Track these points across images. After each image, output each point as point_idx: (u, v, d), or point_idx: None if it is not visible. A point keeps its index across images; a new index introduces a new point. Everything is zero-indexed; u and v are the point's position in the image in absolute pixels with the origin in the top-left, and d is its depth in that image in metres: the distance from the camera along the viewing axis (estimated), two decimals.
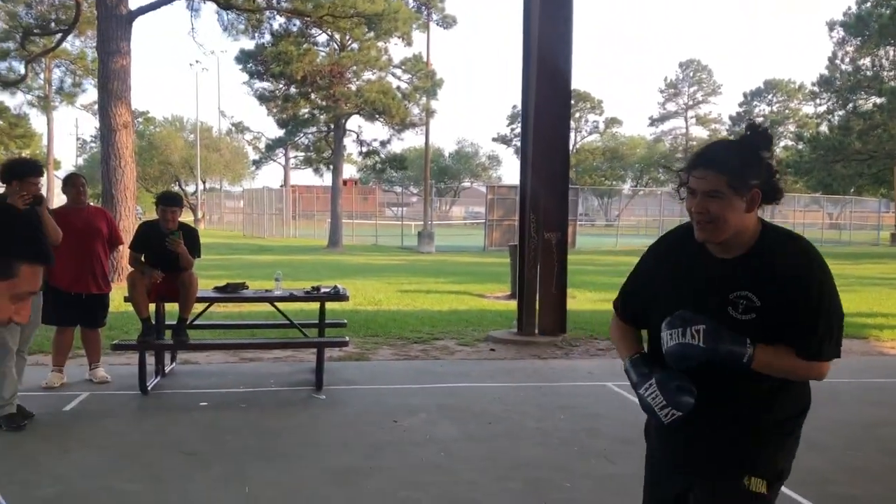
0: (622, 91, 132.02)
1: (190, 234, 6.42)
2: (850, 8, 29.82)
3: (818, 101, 37.90)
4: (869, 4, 27.62)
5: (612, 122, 67.16)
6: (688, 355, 1.92)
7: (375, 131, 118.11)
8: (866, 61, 29.52)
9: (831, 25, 30.85)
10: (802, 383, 2.10)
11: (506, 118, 65.26)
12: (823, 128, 36.28)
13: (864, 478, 4.55)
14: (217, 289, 6.84)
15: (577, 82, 75.19)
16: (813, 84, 37.79)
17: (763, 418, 2.03)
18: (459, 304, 12.09)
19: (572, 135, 64.55)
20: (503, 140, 65.05)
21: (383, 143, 32.06)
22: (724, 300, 1.95)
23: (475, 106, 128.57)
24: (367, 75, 30.46)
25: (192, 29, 50.35)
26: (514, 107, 58.17)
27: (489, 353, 8.33)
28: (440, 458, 4.78)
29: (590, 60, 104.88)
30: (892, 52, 28.42)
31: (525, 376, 7.32)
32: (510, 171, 79.42)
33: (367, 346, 8.41)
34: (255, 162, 43.36)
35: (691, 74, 66.72)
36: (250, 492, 4.17)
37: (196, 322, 6.86)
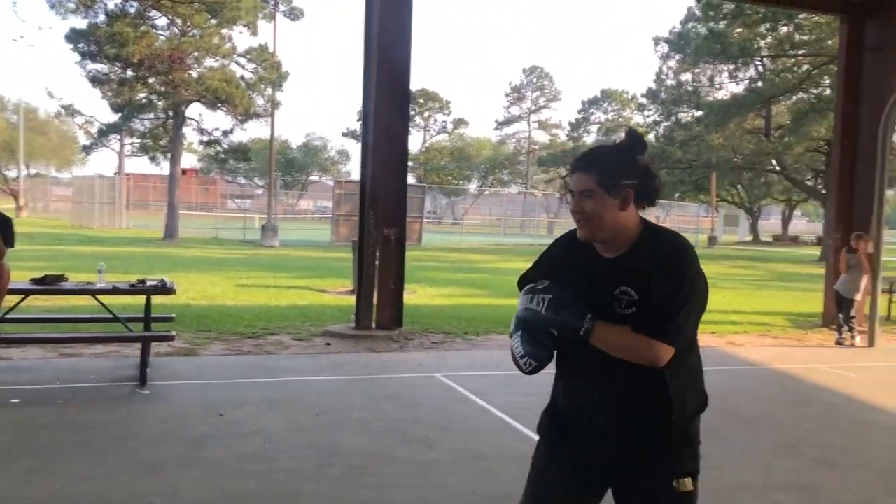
0: (470, 93, 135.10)
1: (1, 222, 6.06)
2: (673, 27, 32.38)
3: (646, 111, 40.65)
4: (690, 24, 30.04)
5: (460, 122, 68.59)
6: (531, 320, 2.07)
7: (217, 120, 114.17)
8: (687, 76, 32.04)
9: (657, 41, 33.27)
10: (699, 381, 2.19)
11: (356, 113, 65.01)
12: (651, 137, 39.00)
13: None
14: (34, 280, 6.50)
15: (426, 83, 76.29)
16: (642, 95, 40.56)
17: (677, 417, 2.08)
18: (299, 300, 12.06)
19: (421, 134, 65.46)
20: (353, 135, 64.71)
21: (226, 133, 31.13)
22: (609, 296, 2.06)
23: (325, 100, 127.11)
24: (210, 62, 29.47)
25: (14, 3, 46.62)
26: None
27: (324, 348, 8.42)
28: (264, 449, 4.84)
29: (439, 62, 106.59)
30: (709, 70, 31.04)
31: (357, 369, 7.47)
32: (359, 166, 79.13)
33: (197, 342, 8.25)
34: (85, 147, 40.66)
35: (534, 81, 69.30)
36: (61, 487, 4.06)
37: (8, 316, 6.49)
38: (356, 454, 4.84)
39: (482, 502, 4.17)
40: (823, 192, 26.65)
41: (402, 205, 9.98)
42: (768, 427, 5.95)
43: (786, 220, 58.28)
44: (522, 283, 2.33)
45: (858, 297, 10.09)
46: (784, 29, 27.30)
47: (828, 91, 26.99)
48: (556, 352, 2.14)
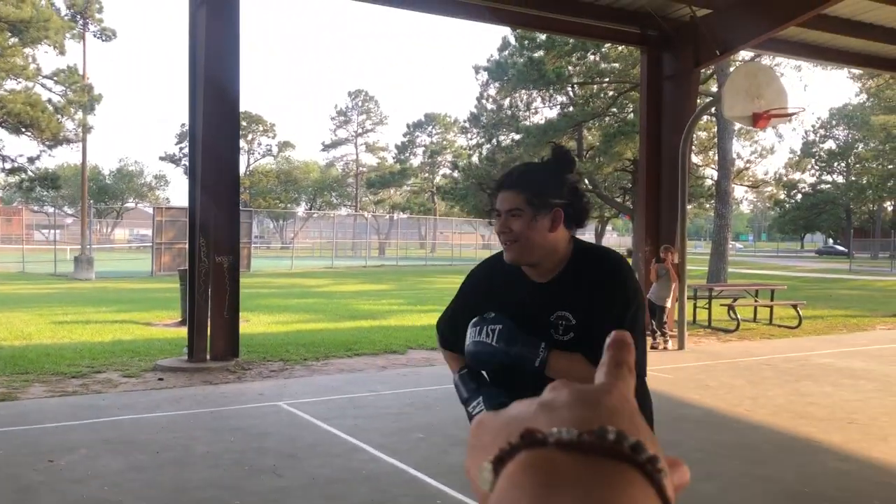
0: (295, 116, 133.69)
1: None
2: (491, 56, 34.00)
3: (469, 134, 42.14)
4: (507, 53, 31.67)
5: (286, 145, 67.77)
6: (481, 353, 1.93)
7: (22, 146, 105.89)
8: (506, 102, 33.66)
9: (476, 69, 34.72)
10: (648, 400, 2.09)
11: (174, 136, 62.40)
12: (475, 158, 40.43)
13: None
14: None
15: (250, 106, 74.73)
16: (465, 120, 42.05)
17: None
18: (124, 334, 11.43)
19: (245, 157, 63.92)
20: (171, 159, 62.10)
21: (31, 160, 28.88)
22: (544, 323, 1.94)
23: (141, 123, 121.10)
24: (11, 84, 27.29)
25: None
26: (183, 125, 55.95)
27: (157, 383, 8.06)
28: (103, 493, 4.60)
29: (262, 85, 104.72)
30: (525, 96, 32.80)
31: (195, 403, 7.23)
32: (180, 192, 76.01)
33: (14, 385, 7.64)
34: None
35: (360, 104, 69.81)
36: None
37: None
38: (203, 489, 4.72)
39: None
40: (632, 207, 28.83)
41: (234, 231, 9.77)
42: None
43: (599, 235, 62.28)
44: (445, 320, 2.22)
45: (668, 304, 11.04)
46: (592, 58, 29.45)
47: (632, 115, 29.34)
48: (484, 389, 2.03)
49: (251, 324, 12.63)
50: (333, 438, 5.97)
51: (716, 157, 27.62)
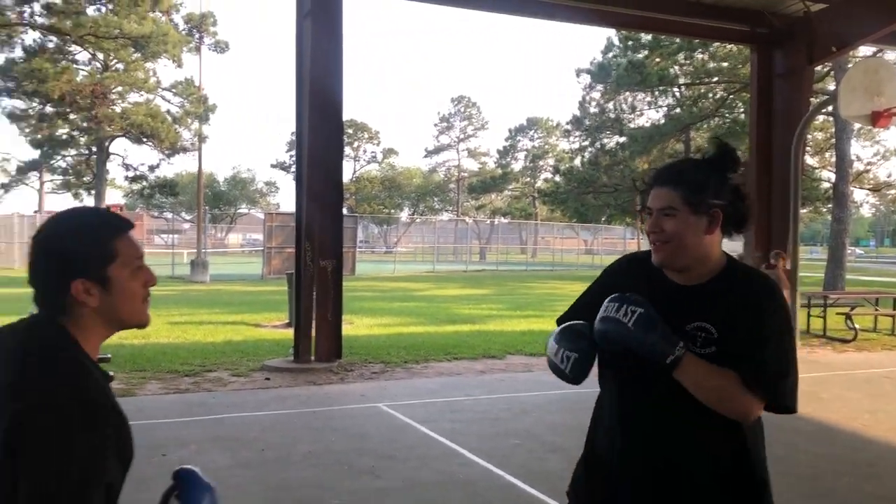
0: (399, 123, 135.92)
1: None
2: (594, 58, 33.62)
3: (571, 138, 41.80)
4: (610, 55, 31.23)
5: (390, 152, 69.00)
6: (612, 332, 1.73)
7: (143, 155, 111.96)
8: (610, 105, 33.20)
9: (578, 72, 34.41)
10: (759, 429, 1.86)
11: (285, 144, 64.68)
12: (577, 162, 40.02)
13: None
14: None
15: (356, 113, 76.48)
16: (567, 123, 41.72)
17: (748, 472, 1.79)
18: (235, 335, 11.91)
19: (351, 164, 65.46)
20: (282, 167, 64.30)
21: (152, 168, 30.63)
22: (681, 332, 1.74)
23: (253, 132, 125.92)
24: (134, 97, 29.03)
25: None
26: (293, 133, 57.94)
27: (264, 383, 8.35)
28: None
29: (367, 93, 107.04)
30: (629, 98, 32.26)
31: (299, 403, 7.45)
32: (289, 198, 78.49)
33: (133, 381, 8.09)
34: (3, 185, 39.35)
35: (462, 110, 70.33)
36: None
37: None
38: (304, 488, 4.85)
39: None
40: None
41: (338, 236, 10.03)
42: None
43: None
44: (568, 314, 2.01)
45: None
46: (700, 57, 28.62)
47: (743, 115, 28.30)
48: (594, 364, 1.82)
49: (354, 326, 12.91)
50: (431, 441, 6.02)
51: (833, 159, 26.28)
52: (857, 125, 18.20)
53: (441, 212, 70.56)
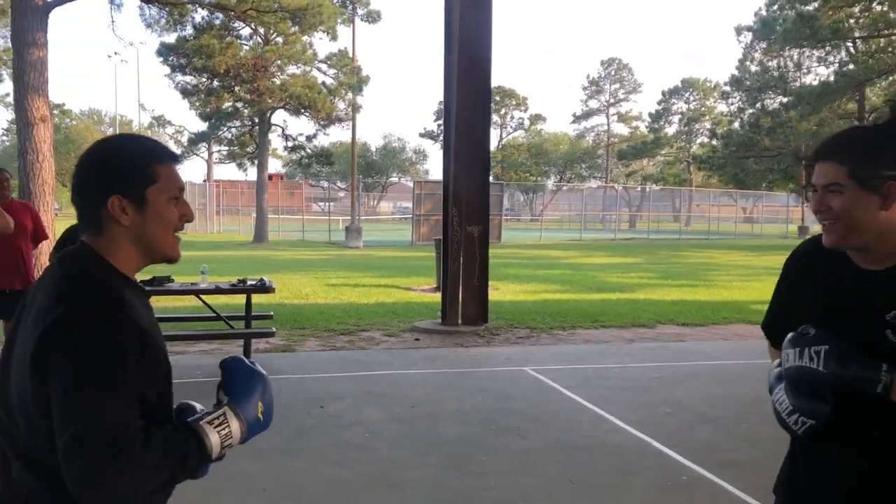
0: (546, 89, 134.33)
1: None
2: (759, 10, 31.43)
3: (730, 99, 39.61)
4: (775, 8, 29.14)
5: (537, 118, 68.31)
6: (805, 380, 1.59)
7: (301, 126, 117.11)
8: (773, 63, 31.10)
9: (739, 30, 32.44)
10: None
11: (433, 114, 65.63)
12: (735, 125, 37.94)
13: (747, 446, 5.02)
14: (142, 282, 6.91)
15: (502, 80, 76.13)
16: (725, 83, 39.55)
17: None
18: (386, 297, 12.32)
19: (498, 131, 65.47)
20: (430, 135, 65.35)
21: (309, 138, 31.90)
22: (877, 321, 1.56)
23: (402, 101, 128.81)
24: (292, 69, 30.27)
25: (112, 22, 49.05)
26: (440, 102, 58.61)
27: (414, 343, 8.61)
28: (364, 439, 5.03)
29: (515, 59, 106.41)
30: (796, 55, 30.06)
31: (447, 363, 7.62)
32: (437, 166, 79.76)
33: (293, 339, 8.57)
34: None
35: (613, 73, 68.38)
36: None
37: None
38: (452, 444, 4.98)
39: (581, 490, 4.24)
40: None
41: (484, 202, 10.09)
42: None
43: None
44: (771, 324, 1.89)
45: None
46: (878, 8, 26.17)
47: None
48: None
49: (500, 292, 13.00)
50: (577, 406, 5.99)
51: None
52: None
53: (589, 179, 69.31)
